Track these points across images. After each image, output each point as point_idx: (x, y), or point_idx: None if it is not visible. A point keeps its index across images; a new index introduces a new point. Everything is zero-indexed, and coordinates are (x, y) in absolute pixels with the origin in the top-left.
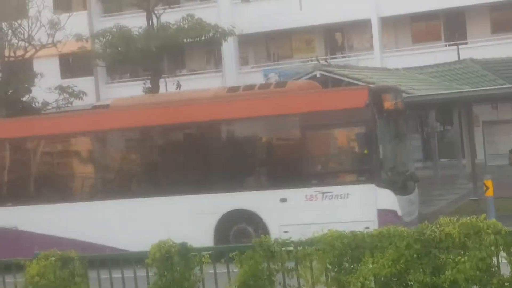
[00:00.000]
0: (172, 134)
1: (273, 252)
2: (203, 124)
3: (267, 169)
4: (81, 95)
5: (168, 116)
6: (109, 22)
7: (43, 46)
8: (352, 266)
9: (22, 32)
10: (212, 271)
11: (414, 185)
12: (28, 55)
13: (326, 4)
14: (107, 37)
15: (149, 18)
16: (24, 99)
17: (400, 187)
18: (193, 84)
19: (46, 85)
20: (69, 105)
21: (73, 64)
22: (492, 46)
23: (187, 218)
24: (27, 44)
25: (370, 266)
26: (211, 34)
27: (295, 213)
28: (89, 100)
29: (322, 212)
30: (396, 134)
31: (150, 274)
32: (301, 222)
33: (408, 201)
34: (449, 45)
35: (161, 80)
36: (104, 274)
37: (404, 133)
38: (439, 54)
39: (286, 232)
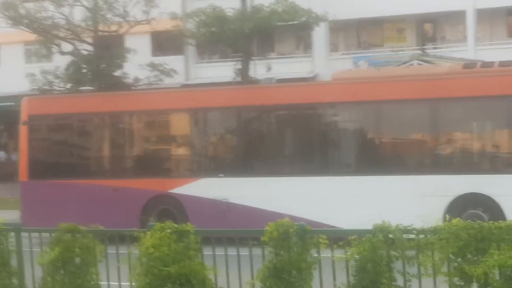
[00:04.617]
0: (403, 111)
1: (393, 238)
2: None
3: (507, 151)
4: (171, 73)
5: (398, 91)
6: (202, 2)
7: (137, 23)
8: (475, 258)
9: (118, 7)
10: (329, 254)
11: None
12: (122, 30)
13: None
14: (200, 17)
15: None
16: (116, 74)
17: None
18: (282, 68)
19: (136, 62)
20: (160, 82)
21: (164, 42)
22: None
23: (415, 199)
24: (122, 20)
25: (496, 257)
26: (304, 19)
27: None
28: (179, 78)
29: None
30: None
31: (265, 253)
32: None
33: None
34: None
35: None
36: (220, 251)
37: None
38: None
39: None
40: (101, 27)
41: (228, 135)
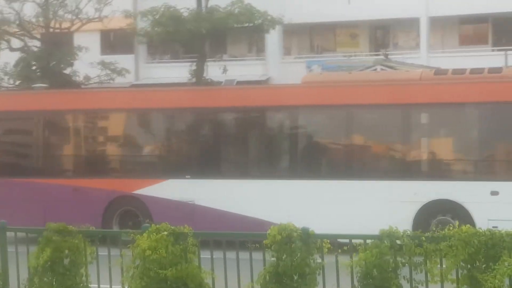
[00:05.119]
0: (375, 115)
1: (401, 244)
2: (410, 106)
3: (478, 158)
4: (123, 72)
5: (372, 96)
6: (154, 1)
7: (89, 20)
8: (484, 266)
9: (70, 4)
10: (332, 259)
11: None
12: (73, 28)
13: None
14: (155, 16)
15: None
16: (66, 72)
17: None
18: (234, 71)
19: (85, 60)
20: (111, 81)
21: (114, 41)
22: None
23: (384, 205)
24: (73, 17)
25: (507, 265)
26: (259, 21)
27: (507, 208)
28: (129, 78)
29: None
30: None
31: (266, 257)
32: None
33: None
34: (497, 50)
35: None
36: (218, 254)
37: None
38: (486, 58)
39: (495, 227)
40: (52, 23)
41: (196, 136)
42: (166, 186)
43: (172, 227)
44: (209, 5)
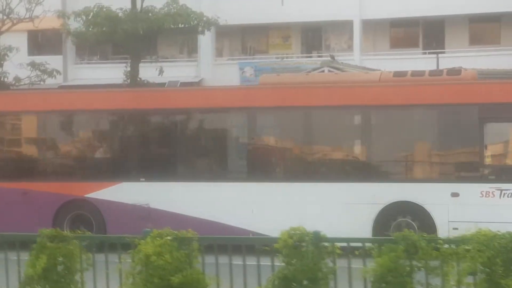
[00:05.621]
0: (334, 116)
1: (417, 247)
2: (368, 108)
3: (438, 160)
4: (54, 73)
5: (331, 97)
6: (84, 1)
7: (20, 20)
8: (502, 269)
9: (1, 4)
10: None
11: None
12: (4, 28)
13: (308, 2)
14: (88, 16)
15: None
16: None
17: None
18: (166, 72)
19: (13, 61)
20: (42, 82)
21: (42, 42)
22: (470, 57)
23: (343, 207)
24: (4, 17)
25: None
26: (195, 22)
27: (468, 210)
28: (57, 79)
29: (498, 211)
30: None
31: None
32: (474, 220)
33: None
34: (428, 53)
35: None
36: (223, 260)
37: None
38: (418, 61)
39: (455, 229)
40: None
41: (150, 138)
42: (119, 189)
43: (175, 232)
44: (144, 6)
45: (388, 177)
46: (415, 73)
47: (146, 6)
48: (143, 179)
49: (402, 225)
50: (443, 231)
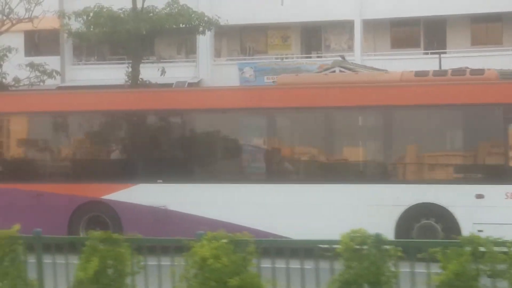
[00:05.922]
0: (356, 117)
1: (483, 251)
2: (391, 108)
3: (462, 161)
4: (54, 74)
5: (355, 98)
6: (81, 1)
7: (19, 21)
8: None
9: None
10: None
11: None
12: (3, 28)
13: (308, 2)
14: (89, 17)
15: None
16: None
17: None
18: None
19: (11, 62)
20: (41, 83)
21: (39, 42)
22: (471, 57)
23: (365, 209)
24: (4, 17)
25: None
26: (196, 22)
27: (493, 212)
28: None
29: None
30: None
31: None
32: (498, 222)
33: None
34: (430, 53)
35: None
36: (279, 264)
37: None
38: (419, 61)
39: (480, 231)
40: None
41: (168, 139)
42: (136, 191)
43: (231, 235)
44: (145, 6)
45: (411, 179)
46: (437, 73)
47: (147, 6)
48: (160, 181)
49: (425, 227)
50: (467, 234)
